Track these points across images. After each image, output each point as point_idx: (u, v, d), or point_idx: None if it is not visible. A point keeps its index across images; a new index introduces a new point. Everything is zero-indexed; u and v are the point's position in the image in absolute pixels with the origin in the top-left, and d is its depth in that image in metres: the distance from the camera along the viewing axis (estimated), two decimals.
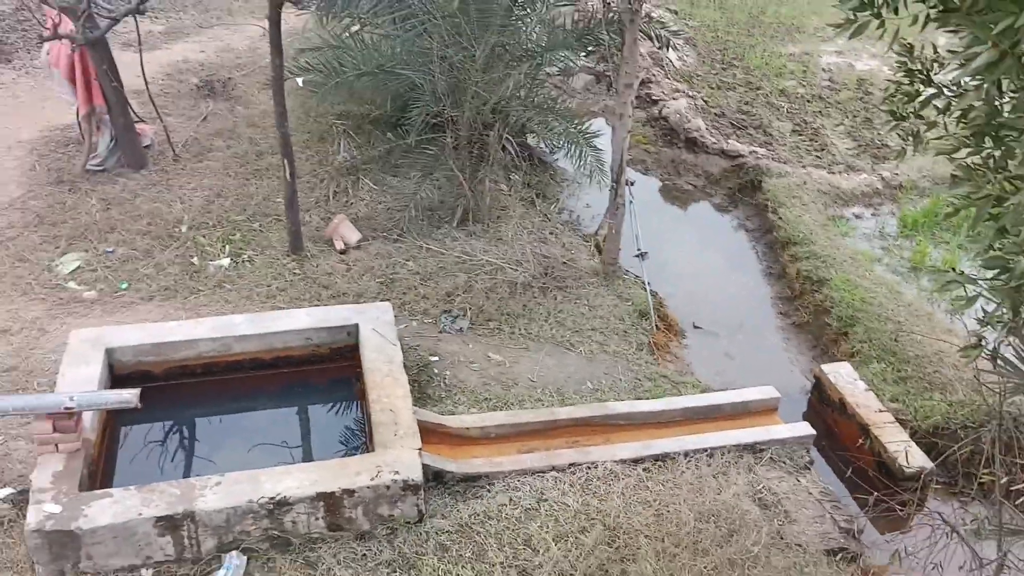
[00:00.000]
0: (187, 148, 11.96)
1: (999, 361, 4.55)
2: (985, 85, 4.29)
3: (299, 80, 12.11)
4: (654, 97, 14.80)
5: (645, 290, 10.23)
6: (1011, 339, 4.57)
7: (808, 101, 14.85)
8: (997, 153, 4.35)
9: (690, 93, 14.92)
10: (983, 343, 4.83)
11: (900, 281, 10.58)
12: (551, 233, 11.07)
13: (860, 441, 8.34)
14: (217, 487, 6.50)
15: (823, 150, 13.57)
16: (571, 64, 12.50)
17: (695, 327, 10.40)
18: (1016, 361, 4.47)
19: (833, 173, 12.89)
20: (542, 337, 9.31)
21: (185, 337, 7.96)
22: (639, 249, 10.98)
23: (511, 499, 7.09)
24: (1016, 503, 5.46)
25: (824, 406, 8.99)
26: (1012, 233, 3.88)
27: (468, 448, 7.76)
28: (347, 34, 11.32)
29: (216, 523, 6.39)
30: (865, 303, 9.93)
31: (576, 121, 11.54)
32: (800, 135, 13.93)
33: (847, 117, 14.43)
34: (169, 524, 6.28)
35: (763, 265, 11.61)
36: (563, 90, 14.43)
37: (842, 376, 8.91)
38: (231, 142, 12.24)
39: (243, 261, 10.01)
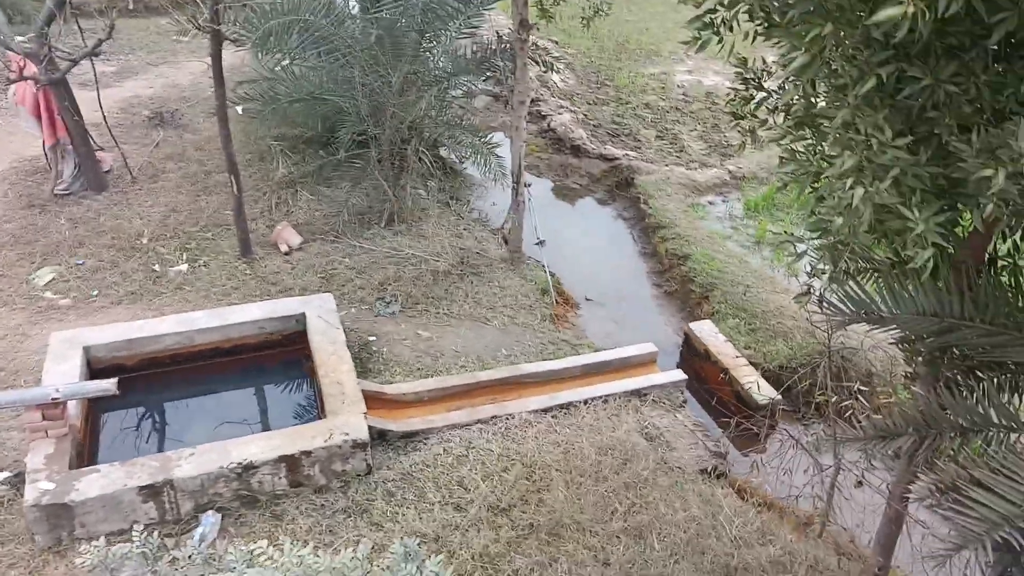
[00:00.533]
0: (143, 171, 11.55)
1: (825, 304, 4.80)
2: (802, 84, 4.54)
3: (239, 108, 11.82)
4: (543, 112, 14.95)
5: (545, 271, 10.39)
6: (833, 286, 4.85)
7: (667, 112, 15.20)
8: (814, 138, 4.61)
9: (572, 108, 15.12)
10: (812, 291, 5.12)
11: (747, 253, 10.94)
12: (465, 229, 11.09)
13: (722, 381, 8.66)
14: (191, 457, 6.38)
15: (681, 151, 13.93)
16: (473, 87, 12.56)
17: (587, 299, 10.60)
18: (837, 303, 4.73)
19: (690, 169, 13.25)
20: (462, 315, 9.36)
21: (152, 333, 7.76)
22: (538, 238, 11.16)
23: (444, 449, 7.15)
24: (844, 418, 5.79)
25: (693, 356, 9.29)
26: (828, 199, 4.12)
27: (406, 410, 7.78)
28: (279, 67, 11.10)
29: (192, 488, 6.27)
30: (720, 272, 10.27)
31: (480, 135, 11.60)
32: (663, 140, 14.27)
33: (699, 124, 14.83)
34: (151, 491, 6.15)
35: (638, 246, 11.88)
36: (467, 109, 14.42)
37: (705, 331, 9.23)
38: (181, 164, 11.87)
39: (199, 266, 9.74)
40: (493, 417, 7.53)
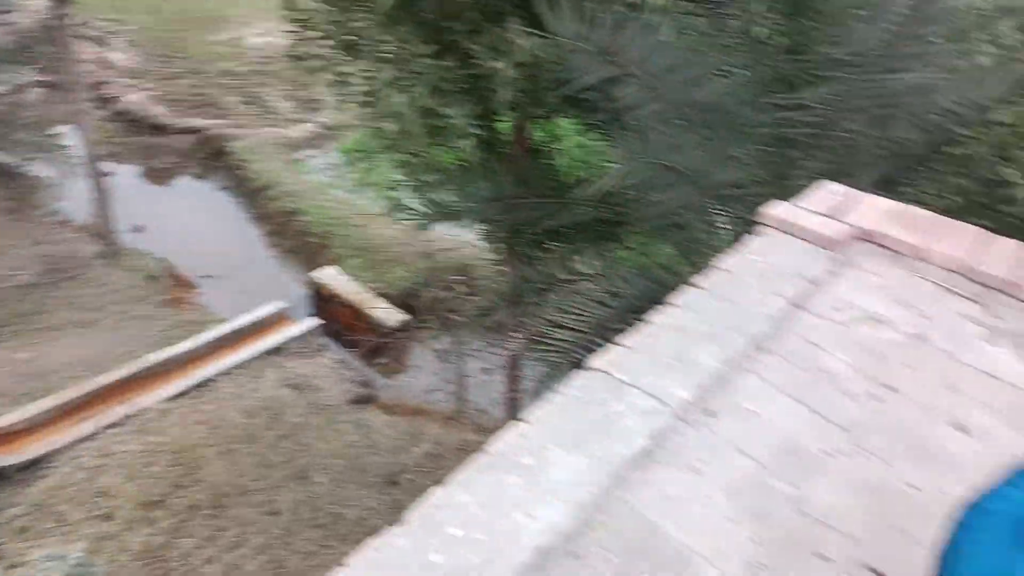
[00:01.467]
0: None
1: (411, 211, 5.20)
2: (337, 12, 4.74)
3: None
4: (111, 95, 13.55)
5: (150, 258, 9.62)
6: (416, 196, 5.26)
7: (248, 76, 14.66)
8: (359, 59, 4.88)
9: (144, 87, 13.92)
10: (401, 204, 5.51)
11: (352, 196, 11.17)
12: (45, 234, 9.76)
13: (354, 317, 8.90)
14: None
15: (270, 112, 13.65)
16: (19, 79, 10.94)
17: (205, 277, 10.06)
18: (421, 208, 5.15)
19: (283, 128, 13.06)
20: (65, 324, 8.33)
21: None
22: (135, 225, 10.26)
23: (77, 466, 6.42)
24: (454, 312, 6.37)
25: (324, 302, 9.33)
26: (379, 108, 4.42)
27: (24, 440, 6.79)
28: None
29: None
30: (334, 219, 10.41)
31: (41, 130, 10.20)
32: (249, 104, 13.82)
33: (282, 83, 14.56)
34: None
35: (249, 213, 11.50)
36: (19, 105, 12.51)
37: (330, 276, 9.35)
38: None
39: None
40: (126, 417, 6.91)
